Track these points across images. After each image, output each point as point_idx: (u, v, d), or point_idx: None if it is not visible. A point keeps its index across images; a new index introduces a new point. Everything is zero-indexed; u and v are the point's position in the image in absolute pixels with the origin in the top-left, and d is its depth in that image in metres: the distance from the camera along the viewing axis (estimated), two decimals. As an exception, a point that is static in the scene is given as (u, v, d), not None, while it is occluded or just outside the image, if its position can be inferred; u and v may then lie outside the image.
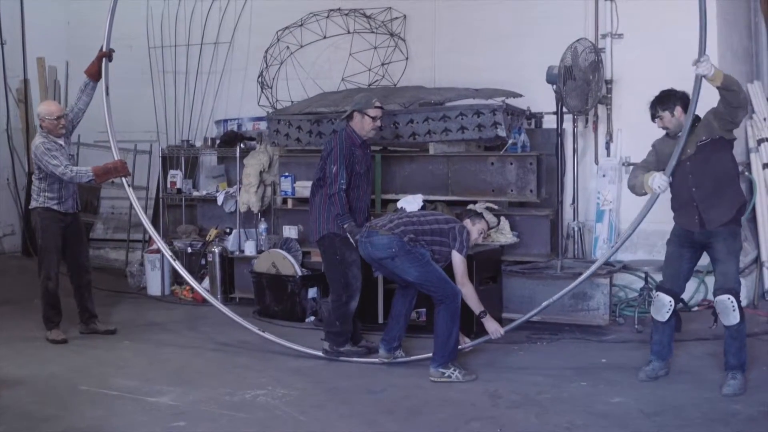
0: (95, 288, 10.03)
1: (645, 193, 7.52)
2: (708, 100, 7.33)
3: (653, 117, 7.57)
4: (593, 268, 7.96)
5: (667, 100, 7.47)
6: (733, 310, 7.16)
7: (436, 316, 7.88)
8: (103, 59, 9.39)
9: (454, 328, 7.81)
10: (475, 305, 8.02)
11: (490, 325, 8.07)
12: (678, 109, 7.38)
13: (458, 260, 7.99)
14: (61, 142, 9.35)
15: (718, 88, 7.07)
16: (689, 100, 7.31)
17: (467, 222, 8.26)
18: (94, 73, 9.45)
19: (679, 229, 7.57)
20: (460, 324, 7.92)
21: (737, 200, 7.43)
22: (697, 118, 7.38)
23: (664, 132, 7.59)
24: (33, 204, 9.43)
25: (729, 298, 7.16)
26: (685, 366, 7.93)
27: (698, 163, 7.35)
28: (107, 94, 9.41)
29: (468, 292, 7.98)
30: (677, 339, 7.90)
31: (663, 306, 7.52)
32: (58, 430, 6.64)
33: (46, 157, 9.13)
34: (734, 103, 7.11)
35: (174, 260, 9.52)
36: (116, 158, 9.43)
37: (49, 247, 9.40)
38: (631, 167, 10.23)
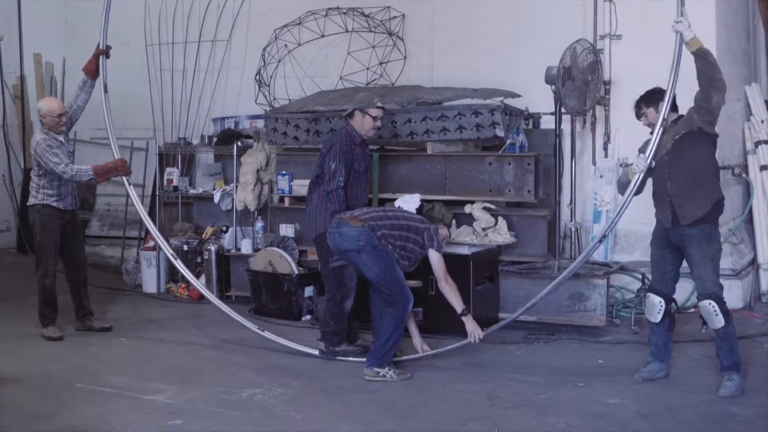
0: (91, 285, 10.01)
1: (628, 185, 7.48)
2: (692, 95, 7.35)
3: (638, 115, 7.61)
4: (574, 265, 7.90)
5: (650, 98, 7.50)
6: (716, 315, 7.19)
7: (382, 317, 7.96)
8: (101, 57, 9.38)
9: (396, 333, 7.88)
10: (457, 303, 8.06)
11: (470, 325, 8.10)
12: (660, 104, 7.32)
13: (437, 258, 8.07)
14: (61, 138, 9.35)
15: (695, 55, 7.06)
16: (674, 97, 7.31)
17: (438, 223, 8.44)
18: (92, 71, 9.44)
19: (659, 230, 7.59)
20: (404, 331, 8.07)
21: (712, 196, 7.36)
22: (680, 117, 7.40)
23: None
24: (32, 201, 9.41)
25: (710, 303, 7.19)
26: (681, 368, 7.93)
27: (675, 156, 7.36)
28: (105, 91, 9.40)
29: (450, 290, 8.06)
30: (673, 340, 7.89)
31: (654, 307, 7.55)
32: (53, 427, 6.63)
33: (47, 155, 9.11)
34: (708, 76, 7.07)
35: (176, 259, 9.50)
36: (116, 157, 9.42)
37: (48, 244, 9.38)
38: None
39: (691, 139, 7.32)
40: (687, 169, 7.33)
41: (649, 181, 7.57)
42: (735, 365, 7.27)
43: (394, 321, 7.84)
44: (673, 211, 7.36)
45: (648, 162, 7.27)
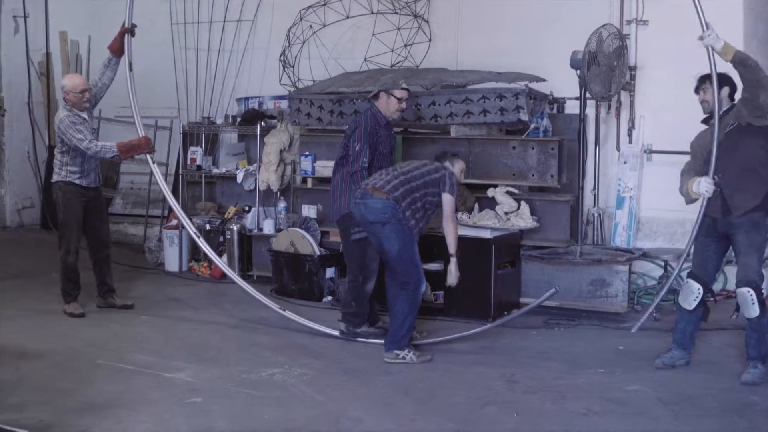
0: (113, 263, 10.05)
1: (695, 200, 7.48)
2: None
3: (697, 89, 7.53)
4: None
5: (722, 78, 7.42)
6: (753, 303, 7.12)
7: (396, 299, 7.96)
8: (126, 35, 9.38)
9: (410, 315, 7.89)
10: (453, 243, 8.03)
11: (453, 269, 8.08)
12: (725, 89, 7.37)
13: (449, 200, 8.04)
14: (84, 115, 9.36)
15: (732, 63, 7.03)
16: (735, 88, 7.38)
17: (448, 164, 8.32)
18: (117, 49, 9.45)
19: (707, 219, 7.51)
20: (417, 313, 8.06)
21: (764, 187, 7.27)
22: (732, 106, 7.37)
23: (699, 120, 7.54)
24: (55, 178, 9.43)
25: (748, 291, 7.12)
26: (703, 356, 7.89)
27: (726, 148, 7.30)
28: (131, 69, 9.41)
29: (451, 230, 8.03)
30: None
31: (691, 293, 7.47)
32: (74, 403, 6.66)
33: (70, 131, 9.14)
34: (752, 80, 7.04)
35: (199, 237, 9.52)
36: (140, 134, 9.44)
37: (70, 221, 9.42)
38: (652, 155, 10.32)
39: (740, 131, 7.28)
40: (738, 161, 7.28)
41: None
42: (762, 357, 7.23)
43: (407, 304, 7.85)
44: (723, 202, 7.31)
45: (713, 184, 7.26)
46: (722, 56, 7.05)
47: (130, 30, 9.39)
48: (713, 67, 7.23)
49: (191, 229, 9.58)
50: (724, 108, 7.41)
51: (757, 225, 7.26)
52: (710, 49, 7.14)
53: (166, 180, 12.83)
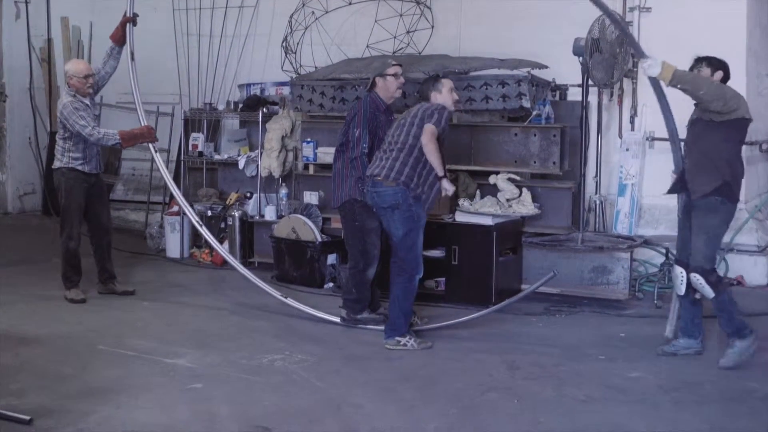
0: (114, 249, 10.05)
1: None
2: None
3: (692, 67, 7.50)
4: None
5: (716, 61, 7.47)
6: (703, 287, 7.28)
7: (393, 286, 7.96)
8: (128, 24, 9.39)
9: (406, 302, 7.90)
10: (437, 164, 7.81)
11: (446, 183, 7.89)
12: (718, 73, 7.40)
13: (428, 128, 7.79)
14: (87, 101, 9.35)
15: (673, 87, 7.11)
16: (728, 73, 7.46)
17: (434, 96, 8.15)
18: (119, 39, 9.47)
19: (684, 198, 7.59)
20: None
21: (717, 178, 7.28)
22: None
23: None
24: (57, 164, 9.42)
25: (695, 276, 7.29)
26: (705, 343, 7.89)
27: (691, 136, 7.48)
28: (132, 59, 9.44)
29: (431, 149, 7.77)
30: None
31: (676, 278, 7.54)
32: (74, 389, 6.66)
33: (74, 117, 9.13)
34: (695, 98, 7.18)
35: (201, 226, 9.53)
36: (143, 123, 9.45)
37: (72, 207, 9.41)
38: (654, 142, 10.34)
39: (704, 124, 7.34)
40: (697, 151, 7.39)
41: None
42: (737, 331, 7.30)
43: (401, 291, 7.87)
44: (686, 182, 7.46)
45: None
46: (663, 81, 7.12)
47: (131, 19, 9.40)
48: (662, 99, 7.43)
49: (193, 218, 9.63)
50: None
51: (713, 209, 7.30)
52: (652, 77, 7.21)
53: (167, 166, 12.84)
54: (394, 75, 8.55)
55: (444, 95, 8.14)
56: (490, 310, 8.47)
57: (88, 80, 9.33)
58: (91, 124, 9.18)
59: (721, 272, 9.86)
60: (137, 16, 9.45)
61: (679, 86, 7.06)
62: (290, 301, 8.93)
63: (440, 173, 7.84)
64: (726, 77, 7.45)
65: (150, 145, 9.50)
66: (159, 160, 9.60)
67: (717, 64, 7.45)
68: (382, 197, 7.90)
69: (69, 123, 9.16)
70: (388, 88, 8.54)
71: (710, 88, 7.14)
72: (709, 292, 7.25)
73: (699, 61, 7.50)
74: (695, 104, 7.36)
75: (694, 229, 7.38)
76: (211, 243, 9.62)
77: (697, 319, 7.63)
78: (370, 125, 8.42)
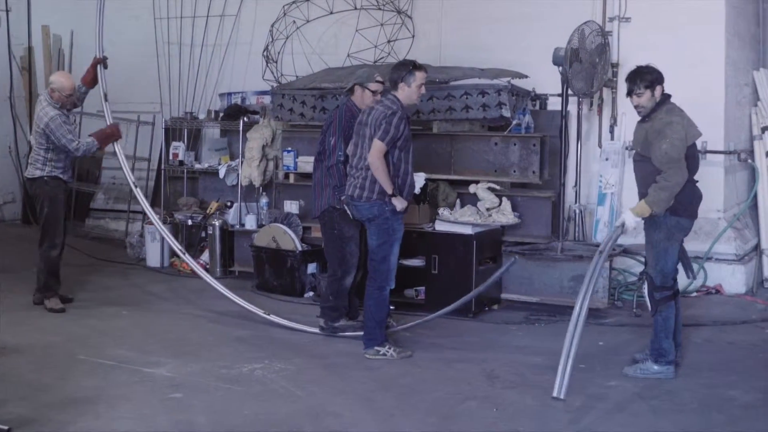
0: (96, 258, 10.03)
1: None
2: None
3: (630, 92, 7.24)
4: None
5: (649, 78, 7.17)
6: (646, 300, 7.41)
7: (366, 296, 7.99)
8: (98, 66, 9.47)
9: (378, 311, 7.93)
10: (384, 182, 7.75)
11: (398, 202, 7.81)
12: (658, 89, 7.17)
13: (376, 145, 7.73)
14: (66, 113, 9.43)
15: (658, 211, 7.07)
16: (662, 77, 7.20)
17: (401, 87, 7.92)
18: (90, 81, 9.63)
19: None
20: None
21: None
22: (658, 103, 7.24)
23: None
24: (37, 173, 9.37)
25: (644, 288, 7.50)
26: (683, 351, 7.91)
27: (636, 162, 7.42)
28: (106, 100, 9.56)
29: (377, 166, 7.73)
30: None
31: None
32: (53, 398, 6.63)
33: (61, 130, 9.18)
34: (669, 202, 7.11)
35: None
36: (109, 122, 9.63)
37: (57, 215, 9.44)
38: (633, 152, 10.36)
39: (644, 159, 7.26)
40: (641, 178, 7.33)
41: None
42: (657, 355, 7.25)
43: (373, 301, 7.91)
44: None
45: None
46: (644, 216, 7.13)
47: (102, 60, 9.48)
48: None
49: (160, 227, 9.78)
50: (650, 106, 7.24)
51: (657, 224, 7.20)
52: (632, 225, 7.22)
53: (148, 175, 12.89)
54: (374, 92, 8.54)
55: (411, 90, 7.91)
56: (445, 311, 8.40)
57: (70, 98, 9.43)
58: (76, 138, 9.31)
59: (699, 281, 9.94)
60: (107, 58, 9.55)
61: (662, 205, 7.01)
62: (274, 318, 8.91)
63: (388, 191, 7.80)
64: (661, 81, 7.21)
65: (115, 145, 9.60)
66: (123, 160, 9.72)
67: (651, 80, 7.14)
68: (360, 211, 7.95)
69: (55, 136, 9.18)
70: (364, 100, 8.51)
71: (671, 171, 6.98)
72: (650, 308, 7.32)
73: (633, 82, 7.19)
74: (645, 117, 7.24)
75: (645, 244, 7.40)
76: (176, 249, 9.80)
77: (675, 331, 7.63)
78: (346, 133, 8.43)
